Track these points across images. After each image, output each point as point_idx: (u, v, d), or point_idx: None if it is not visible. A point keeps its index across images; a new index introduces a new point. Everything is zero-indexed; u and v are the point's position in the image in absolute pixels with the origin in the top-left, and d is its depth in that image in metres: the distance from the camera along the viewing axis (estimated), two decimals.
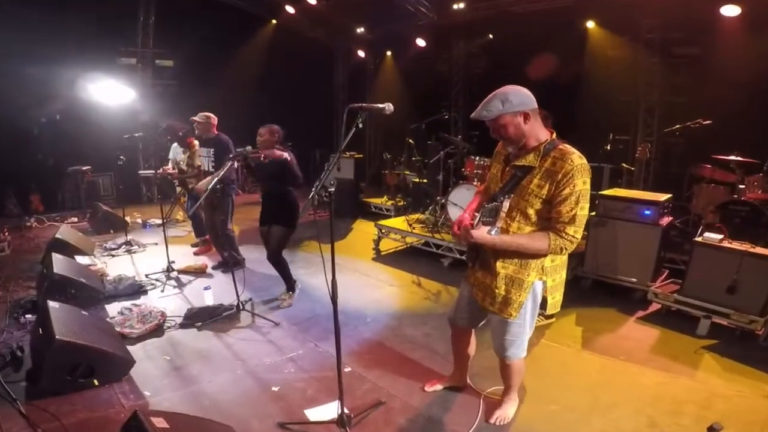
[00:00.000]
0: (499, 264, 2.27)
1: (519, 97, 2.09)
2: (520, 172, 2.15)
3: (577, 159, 2.03)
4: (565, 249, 2.10)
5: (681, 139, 6.28)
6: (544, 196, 2.09)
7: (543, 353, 3.45)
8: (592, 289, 4.57)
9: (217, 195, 4.10)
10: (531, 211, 2.13)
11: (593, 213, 4.49)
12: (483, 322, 2.63)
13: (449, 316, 2.77)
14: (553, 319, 3.94)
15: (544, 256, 2.19)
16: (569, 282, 4.26)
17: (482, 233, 2.08)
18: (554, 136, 2.17)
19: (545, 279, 2.25)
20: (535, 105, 2.12)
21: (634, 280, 4.30)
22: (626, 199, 4.39)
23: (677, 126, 5.37)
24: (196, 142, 5.46)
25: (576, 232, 2.07)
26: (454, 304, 2.74)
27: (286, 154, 3.89)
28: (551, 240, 2.08)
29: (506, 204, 2.06)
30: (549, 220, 2.12)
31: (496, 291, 2.30)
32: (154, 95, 8.85)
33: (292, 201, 4.10)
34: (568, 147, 2.10)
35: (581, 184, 2.02)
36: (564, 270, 2.34)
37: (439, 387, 2.95)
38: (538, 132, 2.15)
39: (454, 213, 5.70)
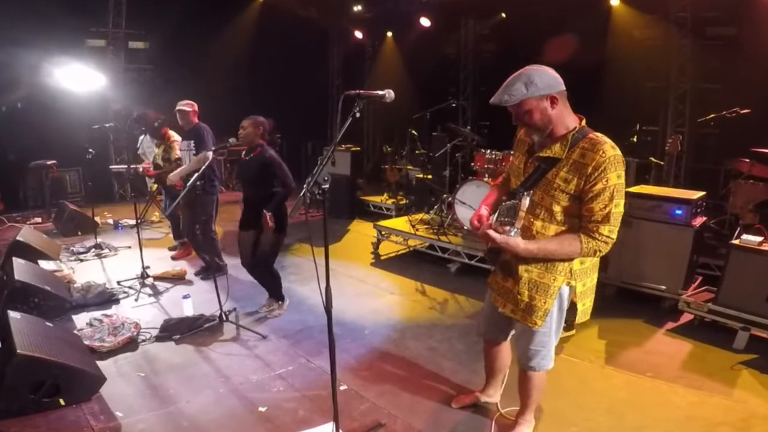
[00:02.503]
0: (522, 267, 2.24)
1: (545, 78, 2.04)
2: (545, 164, 2.11)
3: (610, 150, 1.99)
4: (599, 251, 2.06)
5: (716, 130, 6.29)
6: (571, 192, 2.05)
7: (561, 369, 3.45)
8: (616, 297, 4.57)
9: (197, 193, 4.08)
10: (557, 208, 2.10)
11: None
12: (514, 332, 2.61)
13: (478, 330, 2.80)
14: (573, 332, 3.94)
15: (569, 258, 2.16)
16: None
17: (506, 237, 2.06)
18: (583, 123, 2.13)
19: (574, 284, 2.21)
20: (563, 87, 2.08)
21: (664, 287, 4.30)
22: (655, 197, 4.39)
23: (712, 115, 5.37)
24: (173, 133, 5.46)
25: (611, 231, 2.02)
26: (481, 314, 2.76)
27: (271, 152, 3.87)
28: (583, 242, 2.05)
29: (525, 201, 2.04)
30: (578, 219, 2.09)
31: (519, 297, 2.27)
32: (126, 81, 8.85)
33: (282, 204, 4.07)
34: (599, 136, 2.06)
35: (615, 178, 1.98)
36: (595, 273, 2.31)
37: (466, 403, 2.96)
38: (567, 119, 2.10)
39: (462, 213, 5.71)
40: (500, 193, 2.44)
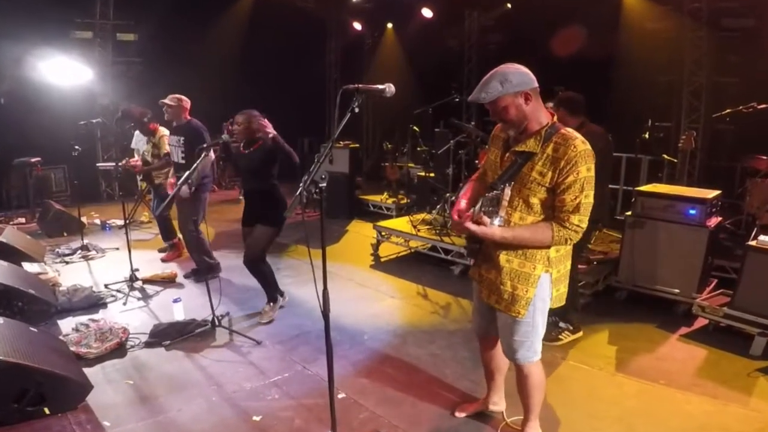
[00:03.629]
0: (503, 257, 2.38)
1: (519, 76, 2.22)
2: (521, 158, 2.29)
3: (580, 145, 2.18)
4: (570, 239, 2.25)
5: (732, 127, 6.30)
6: (547, 184, 2.23)
7: (569, 376, 3.46)
8: (627, 301, 4.57)
9: (192, 189, 4.10)
10: (534, 200, 2.28)
11: (629, 213, 4.50)
12: None
13: (472, 326, 2.89)
14: (581, 333, 3.96)
15: (548, 247, 2.33)
16: (601, 293, 4.31)
17: (483, 227, 2.21)
18: (555, 119, 2.30)
19: (551, 271, 2.38)
20: (536, 84, 2.25)
21: (677, 291, 4.30)
22: (668, 196, 4.40)
23: (728, 111, 5.37)
24: (162, 129, 5.47)
25: (581, 221, 2.22)
26: (472, 309, 2.85)
27: (271, 131, 3.92)
28: (555, 231, 2.23)
29: (507, 192, 2.21)
30: (552, 209, 2.28)
31: (502, 288, 2.41)
32: (114, 75, 8.85)
33: (278, 197, 4.13)
34: (570, 131, 2.24)
35: (585, 171, 2.17)
36: (569, 260, 2.47)
37: (470, 411, 2.98)
38: (540, 115, 2.28)
39: None
40: (478, 187, 2.61)
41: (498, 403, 2.97)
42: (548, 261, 2.35)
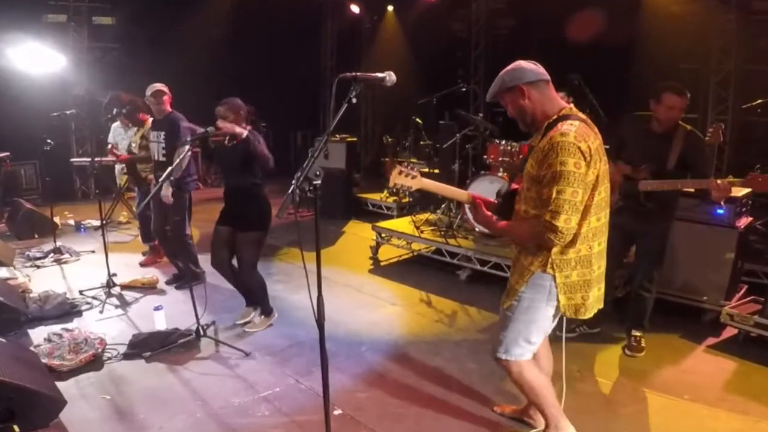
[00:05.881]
0: (516, 250, 2.60)
1: (514, 72, 2.42)
2: (529, 153, 2.48)
3: (557, 137, 2.25)
4: (548, 238, 2.28)
5: (764, 119, 6.29)
6: (537, 178, 2.34)
7: (587, 390, 3.46)
8: None
9: (173, 189, 4.10)
10: (532, 195, 2.39)
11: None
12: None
13: None
14: (598, 330, 4.07)
15: (544, 246, 2.37)
16: (620, 300, 4.31)
17: (485, 217, 2.52)
18: (564, 112, 2.38)
19: (552, 272, 2.41)
20: (535, 77, 2.38)
21: (704, 298, 4.31)
22: (694, 194, 4.39)
23: (758, 101, 5.38)
24: (151, 119, 5.47)
25: (554, 218, 2.24)
26: None
27: (245, 132, 3.90)
28: (533, 225, 2.35)
29: (505, 186, 2.47)
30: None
31: (510, 277, 2.63)
32: (90, 62, 8.86)
33: (261, 197, 4.12)
34: (564, 123, 2.30)
35: (558, 164, 2.23)
36: (588, 268, 2.44)
37: (508, 413, 3.12)
38: (547, 108, 2.41)
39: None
40: None
41: (535, 419, 2.97)
42: (549, 261, 2.39)
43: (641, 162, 3.59)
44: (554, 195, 2.24)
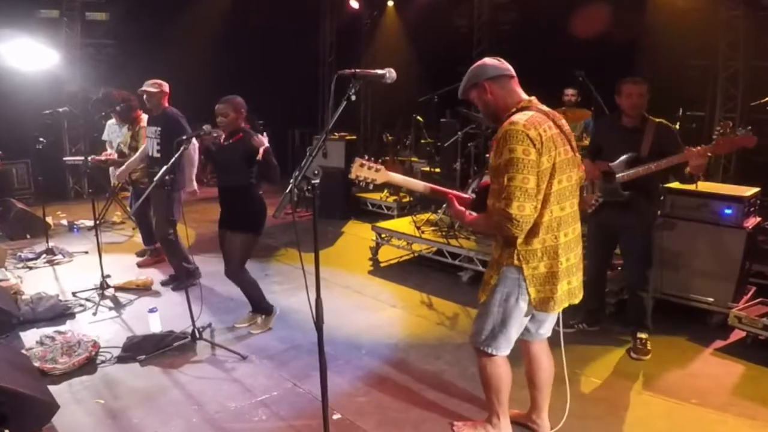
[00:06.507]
0: (493, 244, 2.71)
1: (476, 69, 2.57)
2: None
3: (507, 125, 2.37)
4: (507, 227, 2.35)
5: None
6: (495, 170, 2.44)
7: (592, 394, 3.46)
8: (655, 311, 4.52)
9: (167, 188, 4.09)
10: (495, 187, 2.46)
11: (657, 212, 4.49)
12: (547, 328, 2.80)
13: None
14: (597, 328, 4.18)
15: (507, 236, 2.45)
16: (626, 302, 4.31)
17: (456, 209, 2.61)
18: (522, 104, 2.49)
19: (519, 263, 2.48)
20: (496, 73, 2.52)
21: (711, 299, 4.30)
22: (700, 194, 4.39)
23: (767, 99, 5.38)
24: (145, 117, 5.46)
25: (507, 206, 2.32)
26: None
27: (266, 141, 3.91)
28: (493, 216, 2.42)
29: (476, 182, 2.46)
30: None
31: (485, 272, 2.72)
32: (83, 58, 8.86)
33: (255, 198, 4.12)
34: (518, 115, 2.41)
35: (507, 152, 2.34)
36: (555, 260, 2.47)
37: (513, 417, 3.03)
38: (507, 100, 2.54)
39: None
40: None
41: (539, 424, 2.96)
42: (515, 253, 2.47)
43: (618, 157, 3.77)
44: (506, 182, 2.33)
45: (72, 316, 4.47)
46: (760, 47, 6.59)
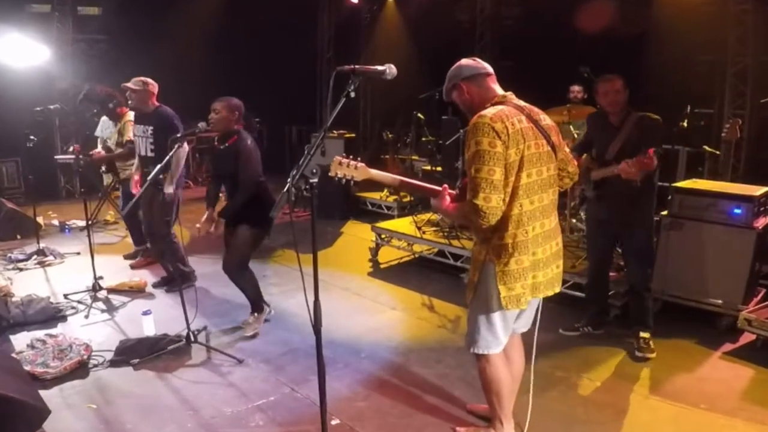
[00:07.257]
0: (474, 240, 2.77)
1: (453, 71, 2.71)
2: None
3: (475, 119, 2.46)
4: (474, 219, 2.42)
5: None
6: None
7: (595, 398, 3.46)
8: (662, 313, 4.56)
9: (159, 188, 4.09)
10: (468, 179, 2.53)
11: (664, 212, 4.50)
12: (523, 323, 2.83)
13: None
14: (602, 331, 4.17)
15: (478, 229, 2.55)
16: (627, 306, 4.31)
17: (439, 201, 2.67)
18: (496, 99, 2.57)
19: (494, 260, 2.53)
20: (471, 72, 2.64)
21: (720, 302, 4.30)
22: (709, 193, 4.39)
23: None
24: (130, 113, 5.47)
25: (474, 197, 2.39)
26: None
27: (248, 141, 3.92)
28: (464, 207, 2.49)
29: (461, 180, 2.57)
30: None
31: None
32: (75, 54, 8.86)
33: (263, 195, 4.12)
34: (488, 108, 2.50)
35: (474, 145, 2.42)
36: (526, 255, 2.50)
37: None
38: (483, 98, 2.62)
39: None
40: None
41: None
42: (490, 248, 2.53)
43: (602, 154, 3.90)
44: (473, 174, 2.39)
45: (64, 318, 4.47)
46: None
